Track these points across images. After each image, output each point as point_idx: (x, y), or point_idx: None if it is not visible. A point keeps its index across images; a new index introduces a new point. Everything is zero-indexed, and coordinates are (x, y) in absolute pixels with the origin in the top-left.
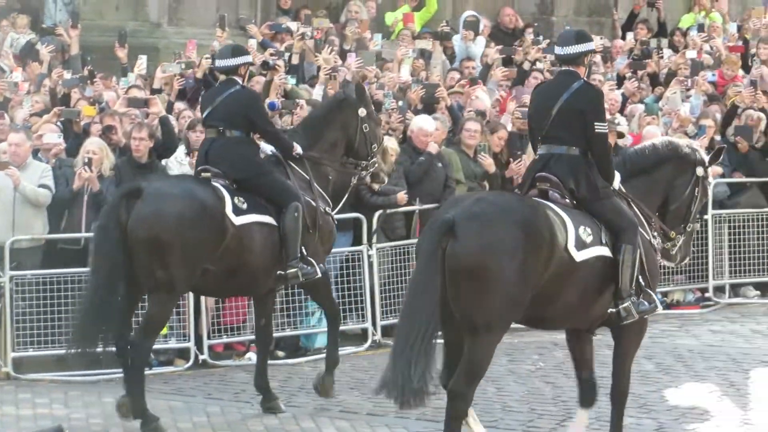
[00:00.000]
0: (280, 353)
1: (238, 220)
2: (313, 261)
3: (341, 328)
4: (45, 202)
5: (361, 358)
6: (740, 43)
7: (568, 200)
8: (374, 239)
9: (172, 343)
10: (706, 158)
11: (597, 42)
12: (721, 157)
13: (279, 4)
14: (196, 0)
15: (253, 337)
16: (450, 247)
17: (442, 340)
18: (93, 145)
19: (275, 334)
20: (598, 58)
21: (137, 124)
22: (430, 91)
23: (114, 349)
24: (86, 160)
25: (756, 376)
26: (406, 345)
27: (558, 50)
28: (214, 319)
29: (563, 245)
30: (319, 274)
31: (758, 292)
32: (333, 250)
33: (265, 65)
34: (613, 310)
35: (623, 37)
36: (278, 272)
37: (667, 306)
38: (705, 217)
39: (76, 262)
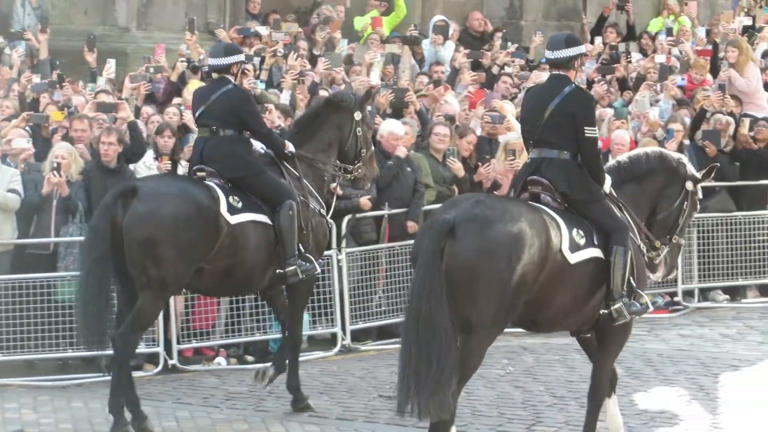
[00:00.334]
0: (250, 358)
1: (233, 219)
2: (312, 258)
3: (311, 332)
4: (14, 206)
5: (331, 362)
6: (709, 47)
7: (559, 203)
8: (343, 244)
9: (142, 348)
10: (697, 174)
11: None
12: (712, 175)
13: (248, 9)
14: (164, 4)
15: (222, 342)
16: (449, 248)
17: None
18: (62, 149)
19: (244, 339)
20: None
21: (106, 129)
22: (400, 95)
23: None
24: (55, 165)
25: (725, 380)
26: (423, 353)
27: (548, 54)
28: (184, 323)
29: (558, 247)
30: (318, 270)
31: (727, 297)
32: None
33: None
34: (605, 311)
35: (592, 42)
36: (277, 271)
37: None
38: None
39: (45, 266)
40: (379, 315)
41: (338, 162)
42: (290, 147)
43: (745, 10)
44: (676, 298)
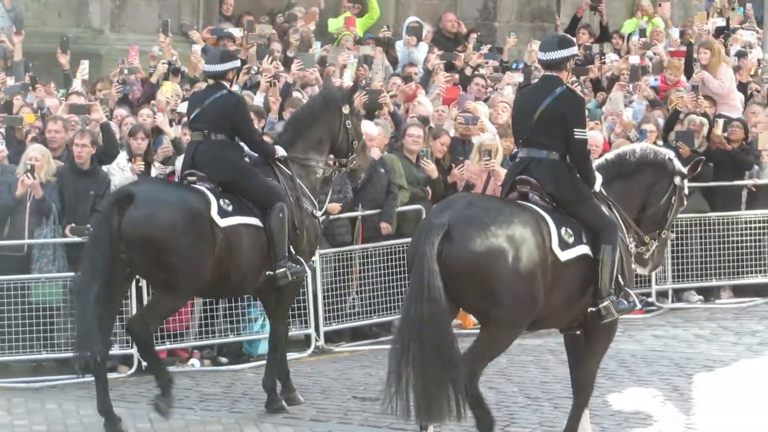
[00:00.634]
0: (223, 359)
1: (224, 222)
2: (302, 260)
3: None
4: None
5: (304, 364)
6: (683, 48)
7: (547, 202)
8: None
9: (116, 350)
10: (684, 169)
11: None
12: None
13: (221, 11)
14: (138, 6)
15: (196, 343)
16: (447, 250)
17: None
18: (35, 151)
19: (218, 341)
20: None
21: (79, 131)
22: (374, 96)
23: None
24: (29, 167)
25: (699, 380)
26: (429, 354)
27: (540, 55)
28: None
29: (549, 245)
30: (308, 272)
31: (701, 297)
32: None
33: None
34: (593, 309)
35: None
36: (267, 272)
37: None
38: None
39: (19, 268)
40: (353, 316)
41: (332, 157)
42: (281, 152)
43: (719, 11)
44: (650, 299)
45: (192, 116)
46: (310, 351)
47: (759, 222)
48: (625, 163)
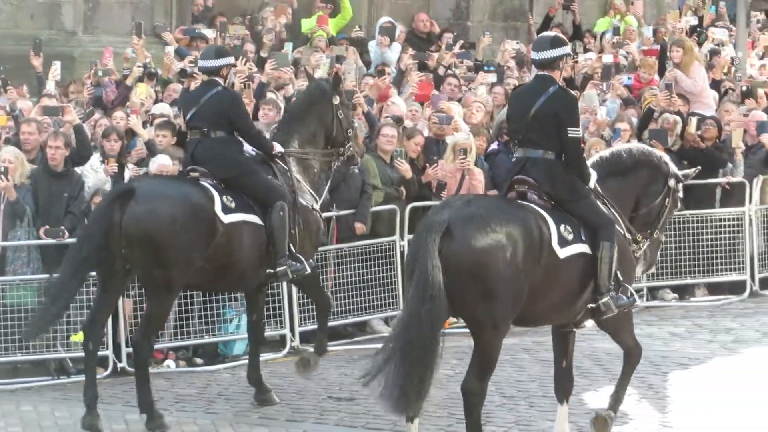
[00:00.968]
0: (199, 360)
1: (227, 219)
2: (302, 258)
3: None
4: None
5: (280, 364)
6: (656, 46)
7: (545, 200)
8: None
9: None
10: (679, 172)
11: (513, 46)
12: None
13: (194, 12)
14: (111, 8)
15: (171, 344)
16: (447, 248)
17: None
18: (8, 153)
19: (193, 341)
20: (513, 62)
21: (53, 133)
22: (347, 97)
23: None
24: (2, 170)
25: (674, 378)
26: (417, 353)
27: (533, 55)
28: (132, 326)
29: (548, 243)
30: (309, 270)
31: (676, 295)
32: None
33: (183, 73)
34: (593, 305)
35: None
36: (268, 270)
37: None
38: None
39: None
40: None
41: (329, 148)
42: (278, 148)
43: (693, 9)
44: None
45: (189, 115)
46: (285, 351)
47: (733, 220)
48: (620, 161)
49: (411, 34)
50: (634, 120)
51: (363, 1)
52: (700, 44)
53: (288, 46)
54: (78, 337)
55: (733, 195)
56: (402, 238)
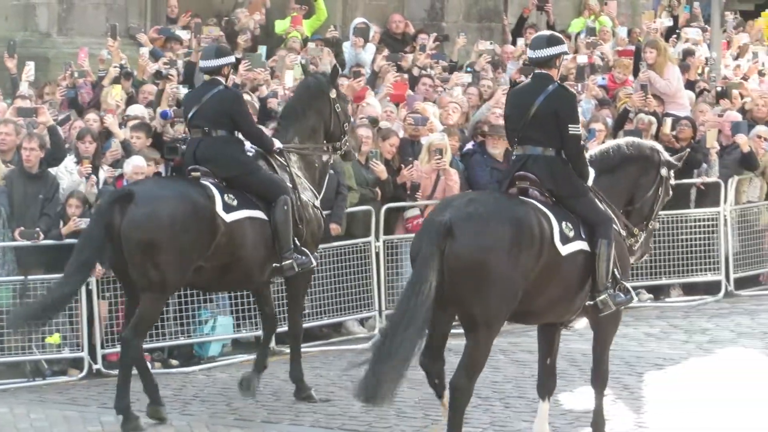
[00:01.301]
0: (174, 362)
1: (229, 217)
2: (307, 251)
3: (235, 336)
4: None
5: None
6: (631, 47)
7: (546, 197)
8: None
9: (66, 353)
10: (671, 159)
11: (485, 47)
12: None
13: (168, 14)
14: (85, 10)
15: (146, 346)
16: (449, 248)
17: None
18: None
19: (168, 343)
20: (488, 66)
21: (28, 135)
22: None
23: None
24: None
25: (649, 379)
26: (396, 341)
27: (530, 53)
28: (108, 328)
29: (550, 239)
30: (314, 263)
31: (651, 296)
32: None
33: (158, 75)
34: (591, 302)
35: (514, 43)
36: (274, 264)
37: None
38: None
39: None
40: (303, 318)
41: (326, 143)
42: (278, 144)
43: (668, 9)
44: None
45: (190, 114)
46: None
47: (708, 220)
48: (610, 157)
49: (386, 35)
50: (609, 120)
51: (337, 1)
52: (675, 46)
53: (262, 49)
54: (53, 339)
55: (708, 195)
56: (377, 239)
